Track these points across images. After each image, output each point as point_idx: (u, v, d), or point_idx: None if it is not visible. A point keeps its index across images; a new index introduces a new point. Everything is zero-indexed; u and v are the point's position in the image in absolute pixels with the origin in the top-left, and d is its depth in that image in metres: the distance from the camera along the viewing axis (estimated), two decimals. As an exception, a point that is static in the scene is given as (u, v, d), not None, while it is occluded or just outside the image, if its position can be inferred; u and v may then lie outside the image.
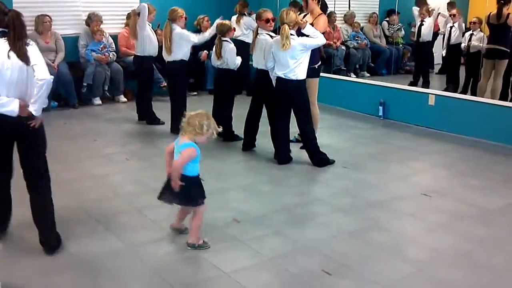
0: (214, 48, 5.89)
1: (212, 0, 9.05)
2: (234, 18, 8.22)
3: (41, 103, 3.14)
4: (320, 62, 5.56)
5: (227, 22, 5.95)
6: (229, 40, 5.81)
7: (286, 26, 4.77)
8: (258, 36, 5.34)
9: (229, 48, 5.77)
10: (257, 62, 5.41)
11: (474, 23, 7.46)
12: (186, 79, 6.17)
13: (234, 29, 5.93)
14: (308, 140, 5.14)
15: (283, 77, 4.94)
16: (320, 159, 5.13)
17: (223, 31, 5.79)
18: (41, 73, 3.10)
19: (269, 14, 5.33)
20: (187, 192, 3.29)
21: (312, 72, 5.22)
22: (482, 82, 6.78)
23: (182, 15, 6.00)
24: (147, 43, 6.47)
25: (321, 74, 5.60)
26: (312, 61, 5.14)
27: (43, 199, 3.34)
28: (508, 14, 6.40)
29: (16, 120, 3.10)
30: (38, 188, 3.33)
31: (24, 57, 3.07)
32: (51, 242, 3.36)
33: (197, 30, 8.87)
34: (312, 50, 5.02)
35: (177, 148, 3.31)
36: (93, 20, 7.91)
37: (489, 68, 6.73)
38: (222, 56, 5.78)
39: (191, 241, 3.40)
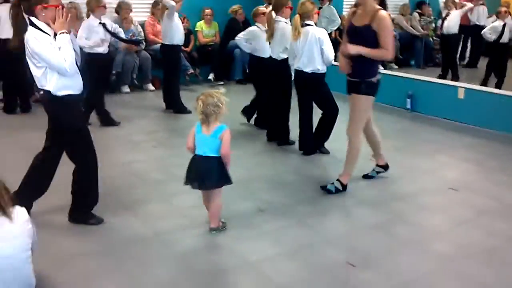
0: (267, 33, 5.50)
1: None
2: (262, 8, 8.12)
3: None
4: (378, 76, 4.04)
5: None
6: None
7: (297, 17, 4.81)
8: (276, 24, 5.25)
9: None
10: (276, 51, 5.33)
11: (500, 12, 7.27)
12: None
13: (264, 13, 5.78)
14: (326, 124, 5.12)
15: (297, 68, 4.99)
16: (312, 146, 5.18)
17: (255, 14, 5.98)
18: None
19: (289, 2, 5.30)
20: (226, 171, 3.37)
21: (366, 86, 4.00)
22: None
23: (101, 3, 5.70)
24: (175, 31, 6.51)
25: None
26: (367, 72, 3.98)
27: (80, 173, 3.59)
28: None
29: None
30: (76, 164, 3.59)
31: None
32: (77, 209, 3.60)
33: (232, 18, 8.89)
34: (369, 58, 3.89)
35: (208, 137, 3.31)
36: (122, 8, 7.98)
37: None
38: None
39: (215, 225, 3.48)
